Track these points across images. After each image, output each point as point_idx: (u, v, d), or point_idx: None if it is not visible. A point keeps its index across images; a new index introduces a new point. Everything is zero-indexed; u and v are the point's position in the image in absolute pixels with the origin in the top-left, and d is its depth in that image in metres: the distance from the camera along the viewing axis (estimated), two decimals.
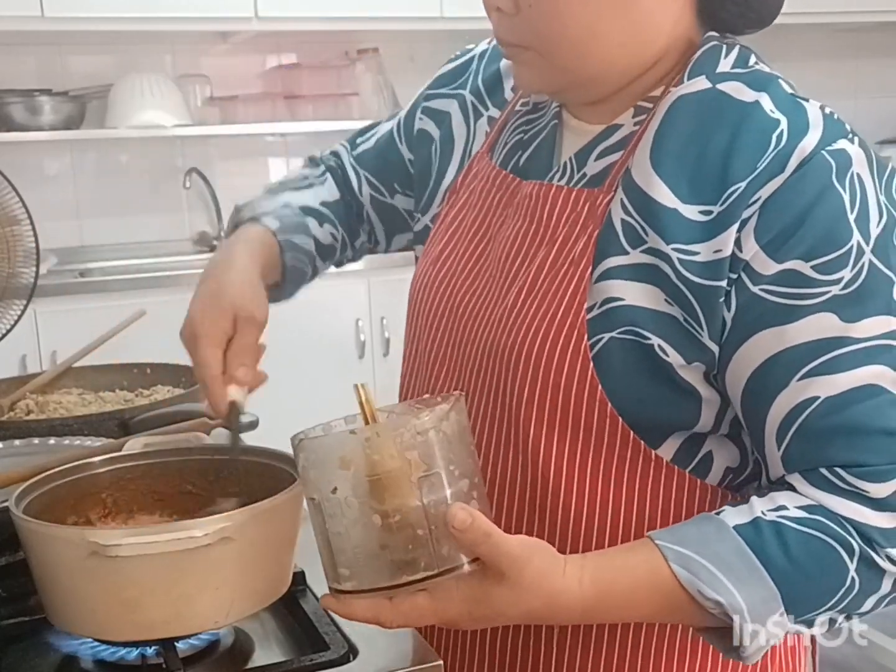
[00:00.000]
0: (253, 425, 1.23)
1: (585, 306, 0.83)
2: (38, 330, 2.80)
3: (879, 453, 0.76)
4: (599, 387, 0.82)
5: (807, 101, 0.82)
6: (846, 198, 0.77)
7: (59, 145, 3.29)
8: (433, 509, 0.71)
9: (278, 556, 0.88)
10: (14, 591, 0.98)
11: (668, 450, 0.85)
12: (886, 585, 0.78)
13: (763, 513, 0.77)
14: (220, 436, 1.21)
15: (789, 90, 0.83)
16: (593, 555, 0.79)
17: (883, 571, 0.77)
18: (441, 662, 0.87)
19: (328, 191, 1.14)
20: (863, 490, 0.76)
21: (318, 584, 0.99)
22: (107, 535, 0.80)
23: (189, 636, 0.87)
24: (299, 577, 0.97)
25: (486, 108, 1.01)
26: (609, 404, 0.82)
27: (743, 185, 0.78)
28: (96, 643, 0.89)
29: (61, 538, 0.82)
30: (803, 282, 0.77)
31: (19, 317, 1.46)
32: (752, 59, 0.86)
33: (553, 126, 0.93)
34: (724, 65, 0.84)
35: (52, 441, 1.21)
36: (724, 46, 0.86)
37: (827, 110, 0.81)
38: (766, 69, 0.86)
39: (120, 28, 3.04)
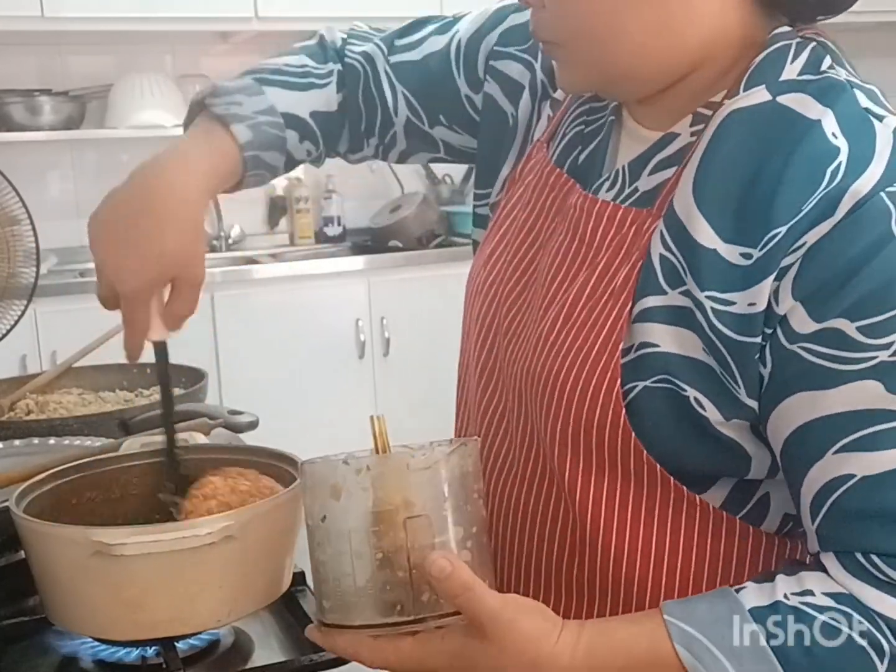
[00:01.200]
0: (253, 425, 1.23)
1: (621, 347, 0.75)
2: (38, 330, 2.80)
3: None
4: (633, 434, 0.75)
5: (882, 118, 0.71)
6: None
7: (59, 145, 3.29)
8: (417, 553, 0.68)
9: (279, 555, 0.88)
10: (14, 591, 0.98)
11: (716, 495, 0.77)
12: None
13: (786, 596, 0.69)
14: (219, 436, 1.21)
15: (865, 102, 0.71)
16: (593, 622, 0.73)
17: None
18: None
19: (326, 97, 1.00)
20: (892, 578, 0.68)
21: None
22: (111, 534, 0.80)
23: (190, 635, 0.87)
24: (299, 577, 0.97)
25: (554, 90, 0.92)
26: (645, 452, 0.75)
27: (784, 229, 0.68)
28: (96, 643, 0.89)
29: (64, 538, 0.82)
30: (847, 344, 0.67)
31: (19, 317, 1.46)
32: (827, 62, 0.74)
33: (611, 123, 0.84)
34: (791, 70, 0.73)
35: (52, 441, 1.21)
36: (795, 45, 0.74)
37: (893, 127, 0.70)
38: (843, 73, 0.73)
39: (120, 28, 3.04)
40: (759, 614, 0.68)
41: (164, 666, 0.85)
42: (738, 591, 0.71)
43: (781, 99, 0.71)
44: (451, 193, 3.64)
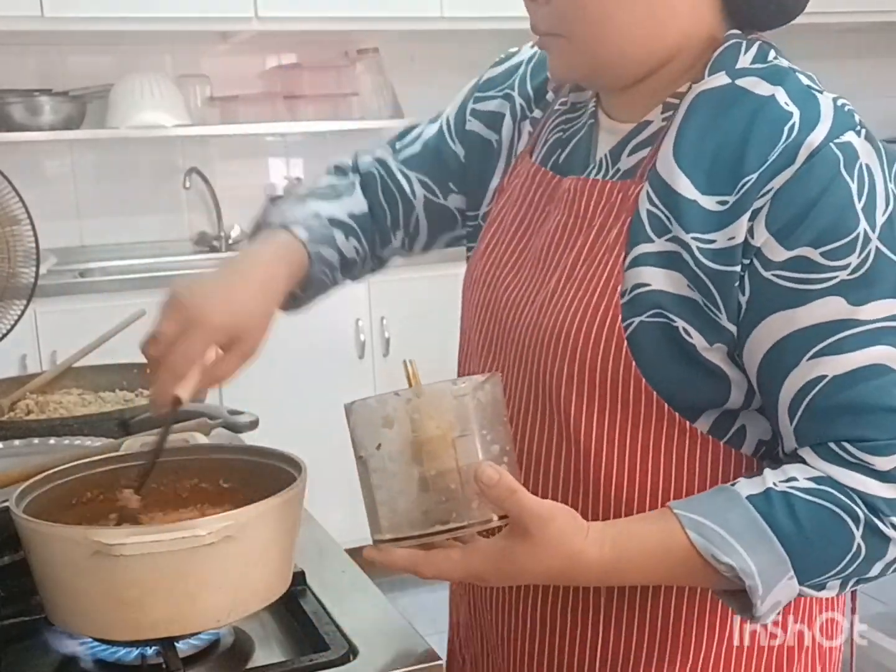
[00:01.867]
0: (253, 425, 1.23)
1: (619, 290, 0.87)
2: (38, 330, 2.80)
3: (884, 429, 0.80)
4: (634, 364, 0.86)
5: (821, 92, 0.85)
6: (853, 187, 0.80)
7: (59, 145, 3.29)
8: (465, 467, 0.79)
9: (279, 555, 0.88)
10: (14, 591, 0.98)
11: (703, 423, 0.88)
12: (892, 552, 0.82)
13: (774, 484, 0.81)
14: (219, 436, 1.21)
15: (805, 82, 0.86)
16: (613, 523, 0.84)
17: (888, 539, 0.81)
18: (442, 662, 0.87)
19: (356, 202, 1.12)
20: (868, 463, 0.80)
21: (318, 584, 0.99)
22: (111, 534, 0.80)
23: (190, 635, 0.87)
24: (299, 577, 0.98)
25: (531, 111, 1.05)
26: (644, 380, 0.86)
27: (755, 176, 0.81)
28: (96, 643, 0.89)
29: (64, 538, 0.82)
30: (812, 267, 0.80)
31: (19, 317, 1.46)
32: (772, 55, 0.89)
33: (590, 125, 0.97)
34: (744, 60, 0.88)
35: (52, 441, 1.21)
36: (745, 42, 0.88)
37: (839, 102, 0.85)
38: (785, 63, 0.89)
39: (120, 28, 3.04)
40: (754, 500, 0.81)
41: (164, 666, 0.85)
42: (732, 485, 0.83)
43: (739, 81, 0.86)
44: None
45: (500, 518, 0.79)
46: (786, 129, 0.82)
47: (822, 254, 0.80)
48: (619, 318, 0.86)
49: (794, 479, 0.82)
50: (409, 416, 0.80)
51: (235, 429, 1.22)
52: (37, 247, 1.45)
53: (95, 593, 0.82)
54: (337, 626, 0.91)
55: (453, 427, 0.79)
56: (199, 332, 0.86)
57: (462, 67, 3.61)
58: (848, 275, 0.80)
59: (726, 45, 0.88)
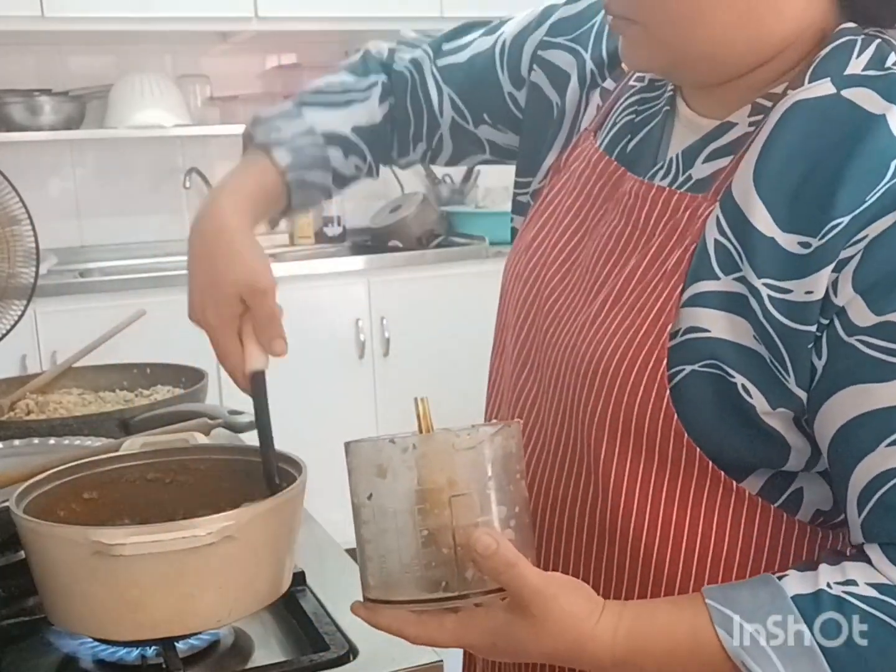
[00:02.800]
0: (253, 425, 1.23)
1: (669, 330, 0.75)
2: (38, 330, 2.80)
3: None
4: (675, 416, 0.75)
5: None
6: None
7: (59, 145, 3.29)
8: (462, 531, 0.70)
9: (279, 555, 0.88)
10: (14, 591, 0.98)
11: (753, 483, 0.77)
12: None
13: (829, 585, 0.69)
14: (219, 436, 1.21)
15: None
16: (635, 604, 0.74)
17: None
18: (441, 662, 0.87)
19: (367, 111, 1.02)
20: None
21: (318, 584, 0.99)
22: (111, 534, 0.80)
23: (190, 635, 0.87)
24: (299, 577, 0.98)
25: (603, 79, 0.92)
26: (686, 436, 0.75)
27: (846, 220, 0.68)
28: (96, 643, 0.89)
29: (64, 538, 0.82)
30: None
31: (19, 317, 1.46)
32: (892, 58, 0.73)
33: (665, 113, 0.84)
34: (856, 65, 0.73)
35: (52, 441, 1.21)
36: (860, 41, 0.73)
37: None
38: None
39: (120, 28, 3.04)
40: (801, 602, 0.68)
41: (164, 666, 0.85)
42: (780, 578, 0.71)
43: (846, 93, 0.71)
44: (451, 193, 3.64)
45: (496, 591, 0.70)
46: (893, 164, 0.68)
47: None
48: (665, 362, 0.74)
49: (853, 582, 0.69)
50: (405, 468, 0.70)
51: (235, 429, 1.22)
52: (37, 247, 1.45)
53: (96, 593, 0.82)
54: (337, 626, 0.91)
55: (452, 484, 0.70)
56: (214, 329, 0.90)
57: None
58: None
59: (836, 42, 0.73)
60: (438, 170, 3.63)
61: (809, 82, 0.73)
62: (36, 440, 1.22)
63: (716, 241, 0.74)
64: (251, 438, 1.20)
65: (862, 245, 0.67)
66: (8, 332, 1.45)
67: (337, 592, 0.98)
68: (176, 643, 0.86)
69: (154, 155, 3.41)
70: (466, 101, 1.02)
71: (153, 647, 0.88)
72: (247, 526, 0.83)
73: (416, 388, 0.88)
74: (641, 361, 0.75)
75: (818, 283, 0.69)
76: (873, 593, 0.68)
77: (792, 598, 0.69)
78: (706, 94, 0.80)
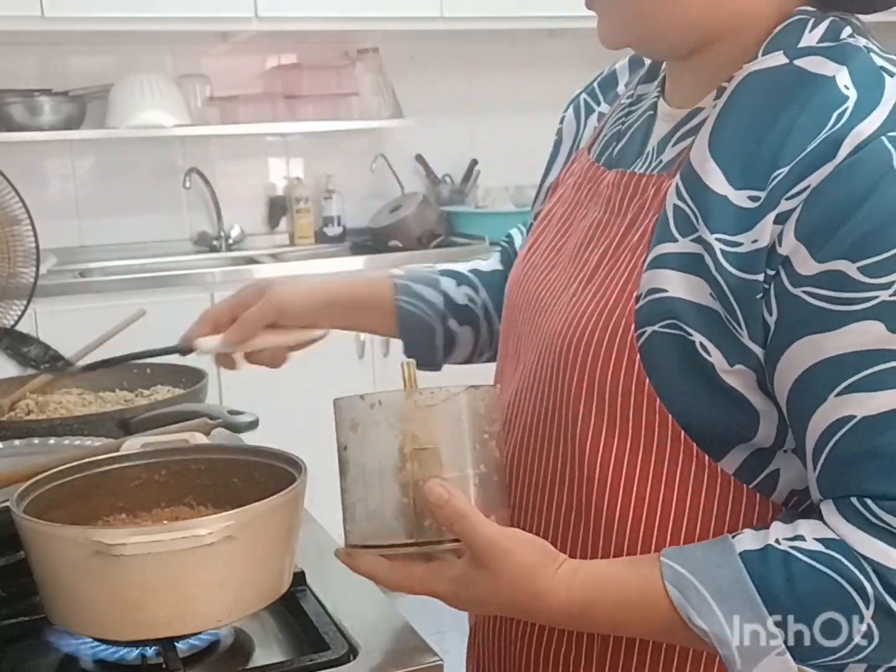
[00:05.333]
0: (253, 425, 1.23)
1: (634, 295, 0.77)
2: (38, 330, 2.79)
3: None
4: (647, 381, 0.76)
5: (889, 73, 0.72)
6: None
7: (59, 145, 3.28)
8: (420, 482, 0.74)
9: (279, 555, 0.88)
10: (14, 591, 0.98)
11: (730, 463, 0.77)
12: None
13: (777, 541, 0.71)
14: (219, 436, 1.21)
15: (881, 62, 0.73)
16: (593, 561, 0.77)
17: None
18: (441, 662, 0.87)
19: (487, 262, 1.10)
20: (892, 527, 0.68)
21: (318, 584, 0.99)
22: (111, 534, 0.80)
23: (190, 635, 0.87)
24: (299, 577, 0.97)
25: (598, 104, 0.98)
26: (658, 401, 0.76)
27: (786, 169, 0.70)
28: (96, 643, 0.89)
29: (64, 538, 0.82)
30: (848, 285, 0.67)
31: (19, 317, 1.45)
32: (847, 31, 0.75)
33: (649, 116, 0.87)
34: (810, 38, 0.75)
35: (52, 441, 1.21)
36: (814, 19, 0.76)
37: None
38: (862, 41, 0.75)
39: (120, 28, 3.04)
40: (748, 556, 0.70)
41: (164, 666, 0.85)
42: (734, 536, 0.73)
43: (798, 62, 0.74)
44: (451, 193, 3.64)
45: (452, 541, 0.74)
46: (835, 115, 0.69)
47: (860, 269, 0.67)
48: (633, 326, 0.76)
49: (801, 537, 0.70)
50: (372, 422, 0.76)
51: (235, 429, 1.22)
52: (37, 247, 1.45)
53: (95, 593, 0.82)
54: (337, 626, 0.91)
55: (414, 439, 0.74)
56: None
57: (462, 67, 3.64)
58: (890, 296, 0.66)
59: (790, 20, 0.76)
60: (438, 170, 3.63)
61: (762, 55, 0.76)
62: (36, 440, 1.21)
63: (675, 206, 0.76)
64: (251, 438, 1.20)
65: (804, 196, 0.69)
66: (8, 332, 1.45)
67: (337, 592, 0.98)
68: (176, 643, 0.86)
69: (154, 155, 3.41)
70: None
71: (153, 647, 0.88)
72: (247, 526, 0.83)
73: (416, 387, 0.88)
74: (611, 329, 0.77)
75: (763, 231, 0.70)
76: (819, 547, 0.69)
77: (740, 553, 0.71)
78: (681, 83, 0.84)
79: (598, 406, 0.79)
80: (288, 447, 0.97)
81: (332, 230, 3.55)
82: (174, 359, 1.54)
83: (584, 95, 1.01)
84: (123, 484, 0.98)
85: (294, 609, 0.95)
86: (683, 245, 0.75)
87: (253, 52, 3.52)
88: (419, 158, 3.62)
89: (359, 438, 0.77)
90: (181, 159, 3.45)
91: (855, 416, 0.68)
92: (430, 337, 1.08)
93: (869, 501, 0.68)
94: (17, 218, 1.43)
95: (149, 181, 3.43)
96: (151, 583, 0.80)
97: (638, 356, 0.76)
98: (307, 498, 0.92)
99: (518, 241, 1.12)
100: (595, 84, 1.01)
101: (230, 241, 3.47)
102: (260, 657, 0.90)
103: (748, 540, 0.72)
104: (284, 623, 0.95)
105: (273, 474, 0.93)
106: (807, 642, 0.70)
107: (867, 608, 0.68)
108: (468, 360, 1.13)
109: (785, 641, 0.70)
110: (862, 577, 0.68)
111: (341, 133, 3.46)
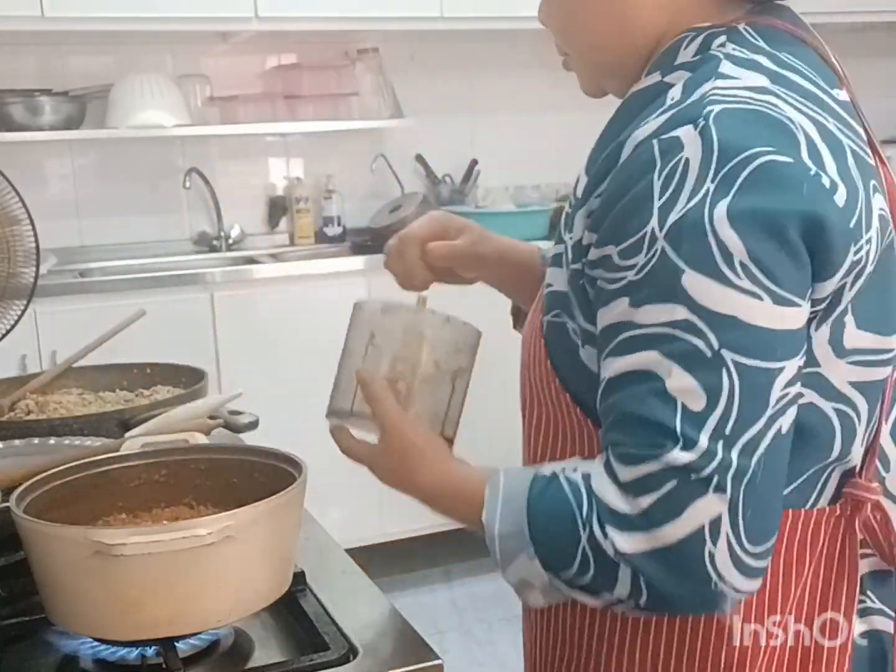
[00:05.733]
0: (253, 425, 1.23)
1: (542, 292, 0.90)
2: (38, 330, 2.80)
3: (631, 437, 0.76)
4: (556, 376, 0.87)
5: (721, 76, 0.78)
6: (658, 184, 0.75)
7: (59, 145, 3.28)
8: (363, 371, 0.92)
9: (279, 555, 0.88)
10: (14, 591, 0.98)
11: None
12: (624, 578, 0.76)
13: (562, 469, 0.81)
14: (219, 436, 1.21)
15: (727, 68, 0.79)
16: (470, 467, 0.89)
17: (615, 565, 0.76)
18: (441, 662, 0.87)
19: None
20: (615, 469, 0.77)
21: (318, 584, 0.99)
22: (111, 534, 0.80)
23: (190, 635, 0.87)
24: (299, 577, 0.98)
25: None
26: (567, 394, 0.87)
27: (592, 173, 0.82)
28: (96, 643, 0.89)
29: (64, 538, 0.82)
30: (612, 267, 0.78)
31: (19, 317, 1.45)
32: (720, 41, 0.82)
33: None
34: (684, 55, 0.83)
35: (52, 441, 1.21)
36: (690, 36, 0.83)
37: (713, 89, 0.77)
38: (730, 47, 0.81)
39: (120, 28, 3.04)
40: (539, 475, 0.82)
41: (164, 666, 0.85)
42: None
43: (667, 77, 0.82)
44: (451, 193, 3.64)
45: (366, 418, 0.91)
46: (633, 136, 0.78)
47: (618, 253, 0.77)
48: (540, 319, 0.89)
49: (574, 469, 0.81)
50: (356, 321, 0.95)
51: (235, 429, 1.22)
52: (37, 247, 1.45)
53: (95, 593, 0.82)
54: (337, 626, 0.91)
55: (371, 337, 0.92)
56: (429, 215, 1.14)
57: (462, 67, 3.64)
58: (634, 275, 0.76)
59: (672, 41, 0.84)
60: (438, 170, 3.63)
61: (644, 76, 0.85)
62: (36, 440, 1.22)
63: (566, 213, 0.88)
64: (251, 438, 1.20)
65: (602, 197, 0.79)
66: (8, 332, 1.45)
67: (337, 592, 0.98)
68: (176, 643, 0.86)
69: (154, 155, 3.41)
70: None
71: (153, 647, 0.88)
72: (247, 526, 0.83)
73: None
74: (534, 326, 0.90)
75: (579, 227, 0.82)
76: (573, 476, 0.80)
77: (536, 473, 0.82)
78: None
79: (532, 404, 0.91)
80: (288, 447, 0.97)
81: (332, 230, 3.55)
82: (174, 359, 1.55)
83: None
84: (123, 484, 0.98)
85: (294, 609, 0.95)
86: (559, 245, 0.88)
87: (253, 52, 3.52)
88: (419, 158, 3.62)
89: (349, 331, 0.95)
90: (181, 159, 3.45)
91: (605, 378, 0.79)
92: None
93: (608, 447, 0.79)
94: (17, 218, 1.43)
95: (149, 181, 3.43)
96: (151, 583, 0.80)
97: (542, 342, 0.88)
98: (307, 498, 0.92)
99: None
100: None
101: (230, 241, 3.47)
102: (260, 657, 0.90)
103: (555, 466, 0.83)
104: (284, 623, 0.96)
105: (273, 474, 0.93)
106: (549, 555, 0.79)
107: (583, 533, 0.77)
108: None
109: (535, 550, 0.79)
110: (588, 507, 0.77)
111: (341, 133, 3.46)
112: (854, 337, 0.80)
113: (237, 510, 0.83)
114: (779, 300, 0.74)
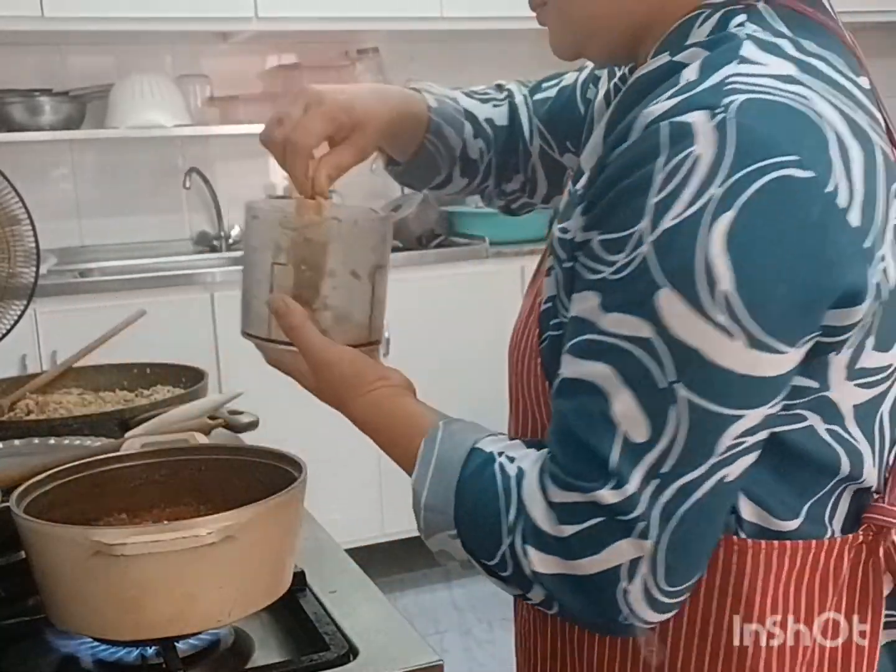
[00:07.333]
0: (253, 425, 1.23)
1: (538, 301, 0.82)
2: (38, 330, 2.80)
3: (569, 459, 0.72)
4: (546, 383, 0.81)
5: (745, 61, 0.69)
6: (659, 178, 0.66)
7: (59, 145, 3.29)
8: (275, 292, 0.84)
9: (279, 555, 0.88)
10: (14, 591, 0.98)
11: None
12: (534, 598, 0.75)
13: (502, 451, 0.77)
14: (220, 436, 1.21)
15: (748, 51, 0.70)
16: (404, 399, 0.86)
17: (530, 580, 0.74)
18: (441, 662, 0.87)
19: (499, 114, 1.08)
20: (546, 485, 0.72)
21: (318, 584, 0.99)
22: (111, 534, 0.80)
23: (190, 635, 0.87)
24: (299, 577, 0.98)
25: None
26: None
27: (588, 169, 0.76)
28: (96, 643, 0.89)
29: (64, 538, 0.82)
30: (592, 255, 0.71)
31: (19, 317, 1.45)
32: (739, 19, 0.73)
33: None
34: (698, 34, 0.74)
35: (52, 441, 1.21)
36: (707, 13, 0.74)
37: (738, 71, 0.68)
38: (751, 28, 0.72)
39: (120, 28, 3.04)
40: (476, 451, 0.78)
41: (164, 666, 0.85)
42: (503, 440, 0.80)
43: (678, 57, 0.73)
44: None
45: (287, 344, 0.85)
46: (643, 122, 0.69)
47: (600, 242, 0.70)
48: (537, 331, 0.82)
49: (512, 458, 0.76)
50: (253, 229, 0.85)
51: (235, 429, 1.22)
52: (37, 247, 1.45)
53: (96, 593, 0.82)
54: (337, 626, 0.91)
55: (277, 253, 0.83)
56: (319, 111, 0.90)
57: (462, 67, 3.64)
58: (611, 274, 0.69)
59: (683, 18, 0.75)
60: None
61: (652, 57, 0.76)
62: (36, 440, 1.22)
63: (564, 201, 0.81)
64: (251, 438, 1.20)
65: (604, 176, 0.71)
66: (8, 332, 1.45)
67: (337, 592, 0.98)
68: (176, 643, 0.86)
69: (154, 155, 3.41)
70: (551, 129, 1.08)
71: (153, 647, 0.88)
72: (247, 526, 0.83)
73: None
74: (528, 336, 0.84)
75: (576, 221, 0.74)
76: (509, 465, 0.76)
77: (475, 446, 0.78)
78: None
79: (522, 412, 0.87)
80: (288, 447, 0.97)
81: None
82: (174, 359, 1.55)
83: (615, 81, 0.96)
84: (123, 484, 0.98)
85: (294, 609, 0.95)
86: (552, 257, 0.80)
87: (253, 52, 3.52)
88: None
89: (246, 240, 0.85)
90: (181, 159, 3.46)
91: (561, 375, 0.74)
92: (431, 177, 1.09)
93: (548, 455, 0.74)
94: (17, 218, 1.43)
95: (149, 181, 3.43)
96: (151, 583, 0.80)
97: (538, 356, 0.82)
98: (307, 498, 0.92)
99: (518, 99, 1.12)
100: (627, 70, 0.95)
101: (230, 241, 3.47)
102: (260, 657, 0.90)
103: (492, 441, 0.79)
104: (284, 623, 0.95)
105: (273, 474, 0.93)
106: (471, 541, 0.77)
107: (506, 540, 0.74)
108: (451, 194, 1.16)
109: (458, 532, 0.77)
110: (513, 514, 0.74)
111: None
112: (866, 358, 0.73)
113: (237, 510, 0.83)
114: (756, 344, 0.66)
